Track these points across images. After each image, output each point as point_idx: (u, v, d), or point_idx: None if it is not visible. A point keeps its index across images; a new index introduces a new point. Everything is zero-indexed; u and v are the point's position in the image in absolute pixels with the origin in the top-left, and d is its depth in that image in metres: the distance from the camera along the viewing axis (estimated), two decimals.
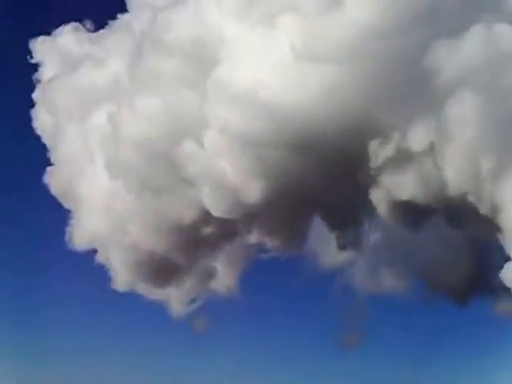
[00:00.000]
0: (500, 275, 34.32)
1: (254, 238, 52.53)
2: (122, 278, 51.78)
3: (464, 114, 34.34)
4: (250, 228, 48.76)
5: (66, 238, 53.79)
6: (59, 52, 57.51)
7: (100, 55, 54.34)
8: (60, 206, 54.33)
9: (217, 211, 42.54)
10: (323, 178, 40.51)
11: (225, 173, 40.80)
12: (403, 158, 37.42)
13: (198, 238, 48.39)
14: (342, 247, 48.39)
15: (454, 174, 35.12)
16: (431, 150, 35.53)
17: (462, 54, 34.61)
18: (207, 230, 47.28)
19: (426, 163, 36.45)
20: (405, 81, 35.68)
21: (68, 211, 54.51)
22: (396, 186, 38.25)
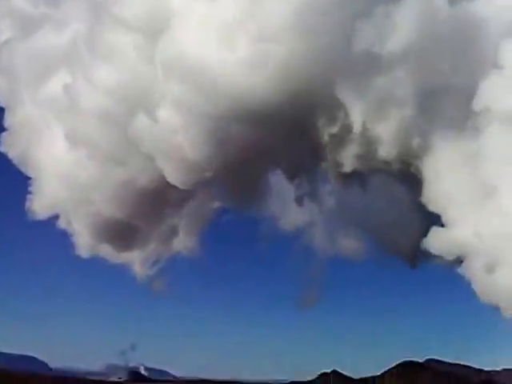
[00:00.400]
0: (424, 241, 37.52)
1: (213, 200, 54.74)
2: (85, 242, 53.30)
3: (396, 94, 37.09)
4: (208, 191, 50.90)
5: (27, 205, 54.81)
6: (14, 14, 57.12)
7: (56, 18, 54.23)
8: (20, 173, 54.99)
9: (175, 181, 44.04)
10: (275, 144, 43.17)
11: (180, 145, 42.07)
12: (346, 133, 40.17)
13: (159, 203, 50.04)
14: (299, 200, 51.28)
15: (388, 149, 38.19)
16: (368, 128, 38.35)
17: (397, 33, 36.75)
18: (167, 195, 48.85)
19: (364, 139, 39.18)
20: (344, 56, 37.78)
21: (28, 178, 55.26)
22: (340, 159, 41.20)
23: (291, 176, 47.77)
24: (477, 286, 35.08)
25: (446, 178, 36.24)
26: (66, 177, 49.38)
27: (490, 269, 33.13)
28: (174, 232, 56.10)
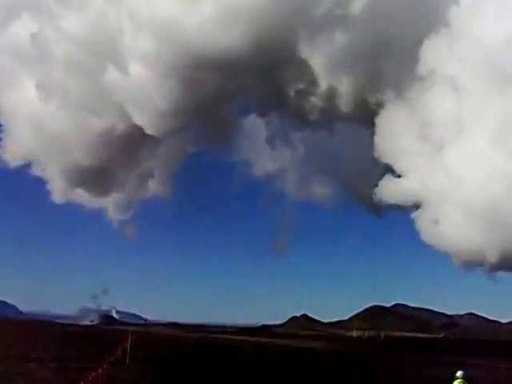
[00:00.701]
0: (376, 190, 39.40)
1: (185, 146, 55.09)
2: (59, 188, 53.04)
3: (354, 52, 38.50)
4: (180, 138, 51.55)
5: None
6: None
7: None
8: None
9: (147, 129, 44.10)
10: (243, 90, 44.58)
11: (151, 96, 42.16)
12: (310, 88, 41.61)
13: (132, 150, 49.84)
14: (269, 141, 52.74)
15: (348, 104, 39.98)
16: (329, 83, 40.31)
17: None
18: (140, 142, 48.76)
19: (326, 94, 41.14)
20: (307, 16, 38.54)
21: None
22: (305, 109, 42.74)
23: (262, 113, 49.79)
24: (424, 235, 36.60)
25: (397, 134, 37.74)
26: (38, 126, 48.76)
27: (436, 220, 34.47)
28: (147, 177, 56.56)
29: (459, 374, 16.83)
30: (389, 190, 38.34)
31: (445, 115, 33.34)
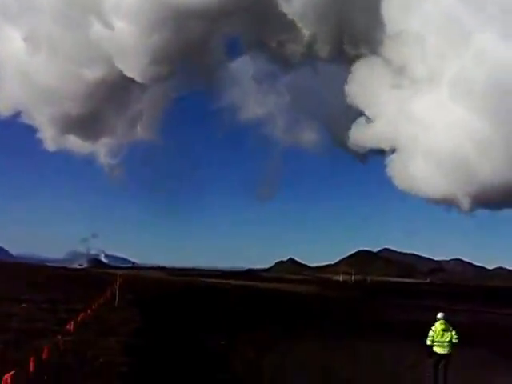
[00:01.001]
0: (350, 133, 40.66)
1: (172, 91, 55.23)
2: (50, 136, 53.19)
3: None
4: (167, 84, 51.70)
5: None
6: None
7: None
8: None
9: (135, 78, 43.98)
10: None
11: (137, 47, 41.66)
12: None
13: (120, 97, 49.77)
14: (257, 79, 54.33)
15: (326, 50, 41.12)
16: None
17: None
18: (128, 89, 48.81)
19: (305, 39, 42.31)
20: None
21: None
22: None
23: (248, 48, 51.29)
24: (397, 179, 37.67)
25: (370, 82, 38.74)
26: (27, 77, 48.61)
27: (406, 164, 35.56)
28: (135, 122, 56.85)
29: (440, 315, 17.17)
30: (362, 135, 39.27)
31: (412, 71, 34.01)
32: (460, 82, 32.39)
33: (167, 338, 21.96)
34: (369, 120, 38.11)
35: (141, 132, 60.80)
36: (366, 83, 37.47)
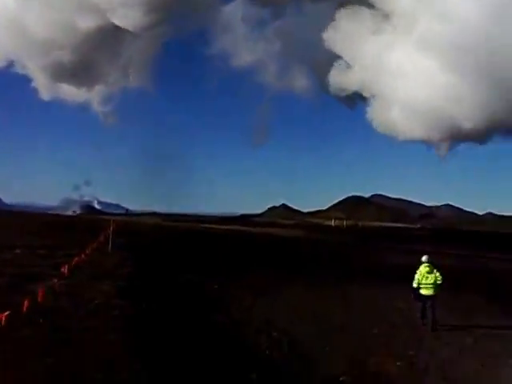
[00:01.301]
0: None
1: (162, 37, 54.64)
2: (44, 84, 52.85)
3: None
4: (157, 30, 51.02)
5: None
6: None
7: None
8: None
9: (130, 27, 43.43)
10: None
11: None
12: None
13: (111, 45, 49.17)
14: (247, 24, 54.18)
15: None
16: None
17: None
18: (118, 37, 48.21)
19: None
20: None
21: None
22: None
23: None
24: (375, 123, 37.95)
25: (352, 27, 38.88)
26: (20, 26, 47.84)
27: (384, 110, 35.84)
28: (127, 69, 56.36)
29: (424, 258, 17.56)
30: (343, 80, 39.22)
31: (394, 20, 33.95)
32: (429, 38, 32.68)
33: (161, 282, 22.22)
34: (348, 65, 38.18)
35: (133, 79, 60.62)
36: (348, 29, 37.41)
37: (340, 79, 40.01)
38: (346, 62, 39.33)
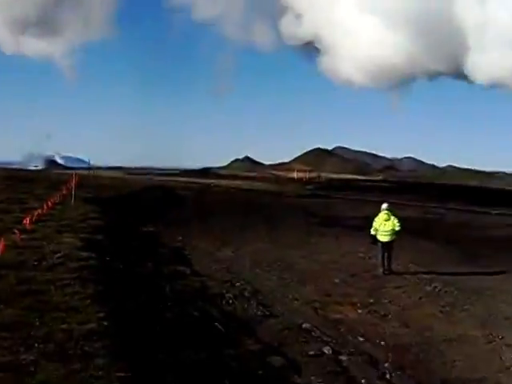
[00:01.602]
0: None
1: None
2: (5, 38, 51.27)
3: None
4: None
5: None
6: None
7: None
8: None
9: None
10: None
11: None
12: None
13: None
14: None
15: None
16: None
17: None
18: None
19: None
20: None
21: None
22: None
23: None
24: (327, 71, 37.50)
25: None
26: None
27: (334, 57, 35.33)
28: (89, 20, 54.89)
29: (384, 206, 17.97)
30: (295, 32, 38.40)
31: None
32: None
33: (125, 234, 22.25)
34: (300, 16, 37.57)
35: (96, 31, 58.70)
36: None
37: (295, 30, 39.46)
38: (298, 13, 38.92)
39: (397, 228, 17.48)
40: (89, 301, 10.26)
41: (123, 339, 8.55)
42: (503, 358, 10.62)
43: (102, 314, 9.41)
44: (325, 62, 33.70)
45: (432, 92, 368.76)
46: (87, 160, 76.05)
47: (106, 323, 9.01)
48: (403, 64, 30.86)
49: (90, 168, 68.92)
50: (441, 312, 13.65)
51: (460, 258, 21.44)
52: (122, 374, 6.99)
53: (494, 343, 11.44)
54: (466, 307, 14.06)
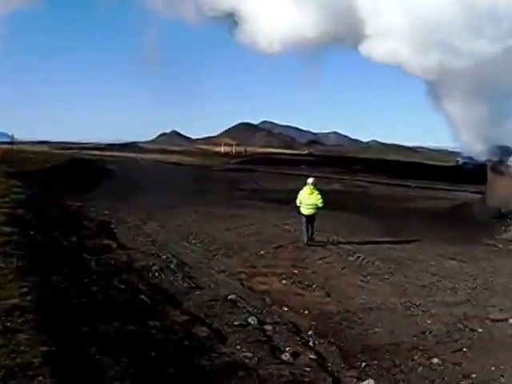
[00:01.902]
0: None
1: None
2: None
3: None
4: None
5: None
6: None
7: None
8: None
9: None
10: None
11: None
12: None
13: None
14: None
15: None
16: None
17: None
18: None
19: None
20: None
21: None
22: None
23: None
24: (245, 43, 36.17)
25: None
26: None
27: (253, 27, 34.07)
28: None
29: (309, 180, 18.35)
30: (214, 4, 36.97)
31: None
32: None
33: (50, 209, 21.73)
34: None
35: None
36: None
37: (214, 2, 38.35)
38: None
39: (320, 205, 17.93)
40: (12, 276, 10.03)
41: (47, 314, 8.43)
42: (420, 323, 11.14)
43: (25, 290, 9.23)
44: (243, 34, 32.93)
45: (351, 66, 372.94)
46: (10, 134, 73.11)
47: (29, 298, 8.85)
48: (316, 35, 30.66)
49: (12, 142, 66.46)
50: (362, 281, 14.11)
51: (382, 230, 22.13)
52: (46, 349, 6.91)
53: (412, 310, 11.96)
54: (386, 277, 14.58)
